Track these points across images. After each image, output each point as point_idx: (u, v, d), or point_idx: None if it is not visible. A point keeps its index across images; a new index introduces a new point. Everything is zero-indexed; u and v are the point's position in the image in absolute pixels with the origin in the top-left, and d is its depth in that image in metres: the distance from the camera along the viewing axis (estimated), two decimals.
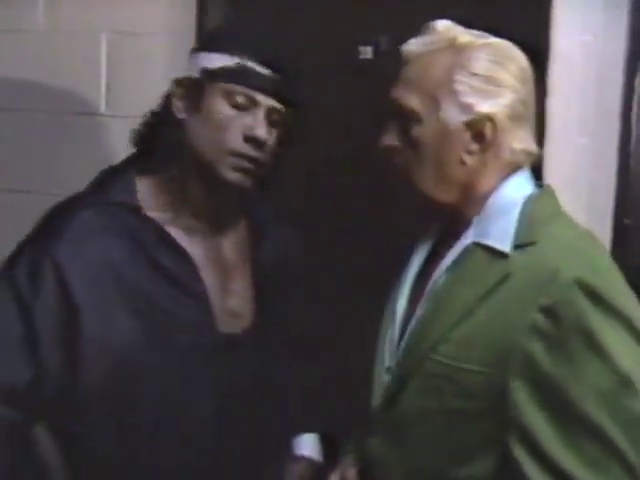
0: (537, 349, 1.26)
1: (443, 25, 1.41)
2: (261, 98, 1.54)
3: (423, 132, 1.37)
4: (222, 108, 1.54)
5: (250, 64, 1.53)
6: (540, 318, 1.26)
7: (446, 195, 1.40)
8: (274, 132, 1.57)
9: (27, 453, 1.57)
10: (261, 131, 1.53)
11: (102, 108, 2.52)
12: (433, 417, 1.35)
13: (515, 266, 1.31)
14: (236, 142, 1.53)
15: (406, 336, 1.43)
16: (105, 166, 1.71)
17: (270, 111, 1.55)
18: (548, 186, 1.44)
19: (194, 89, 1.55)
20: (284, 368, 1.71)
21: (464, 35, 1.39)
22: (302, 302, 1.80)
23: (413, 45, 1.42)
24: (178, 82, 1.58)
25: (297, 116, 1.60)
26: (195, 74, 1.57)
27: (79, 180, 1.71)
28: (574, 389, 1.25)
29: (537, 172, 1.47)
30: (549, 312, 1.26)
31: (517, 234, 1.34)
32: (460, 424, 1.33)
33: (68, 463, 1.61)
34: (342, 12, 2.31)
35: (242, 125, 1.54)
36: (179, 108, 1.57)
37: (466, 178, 1.38)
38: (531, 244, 1.32)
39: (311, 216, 2.22)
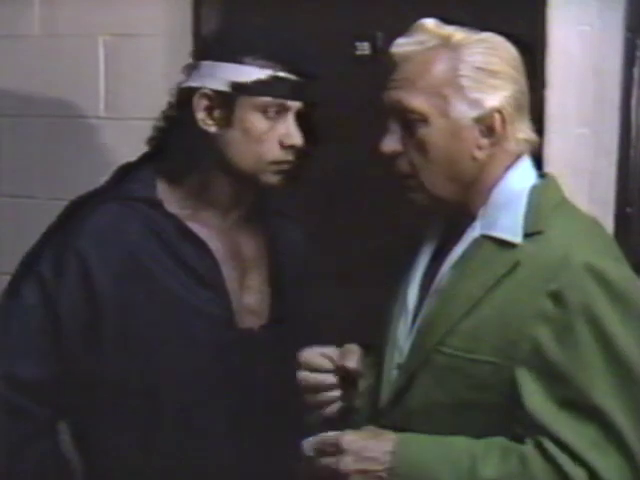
0: (544, 335, 1.27)
1: (432, 23, 1.38)
2: (290, 103, 1.56)
3: (430, 132, 1.35)
4: (257, 121, 1.55)
5: (281, 74, 1.54)
6: (548, 304, 1.27)
7: (456, 193, 1.39)
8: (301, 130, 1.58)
9: (52, 449, 1.59)
10: (296, 138, 1.56)
11: (100, 111, 2.53)
12: (444, 411, 1.35)
13: (524, 255, 1.31)
14: (275, 152, 1.56)
15: (413, 331, 1.42)
16: (105, 169, 1.72)
17: (298, 112, 1.57)
18: (551, 175, 1.44)
19: (222, 102, 1.55)
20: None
21: (457, 32, 1.37)
22: (318, 299, 1.80)
23: (404, 45, 1.38)
24: (202, 94, 1.57)
25: (320, 114, 1.61)
26: (219, 85, 1.55)
27: (79, 183, 1.71)
28: (579, 375, 1.26)
29: (537, 163, 1.47)
30: (557, 297, 1.26)
31: (525, 224, 1.34)
32: (472, 417, 1.33)
33: (86, 461, 1.64)
34: (339, 8, 2.31)
35: (278, 134, 1.56)
36: (206, 122, 1.57)
37: (476, 173, 1.38)
38: (538, 233, 1.33)
39: (312, 213, 2.22)
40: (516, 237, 1.33)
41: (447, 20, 1.40)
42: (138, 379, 1.57)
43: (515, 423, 1.29)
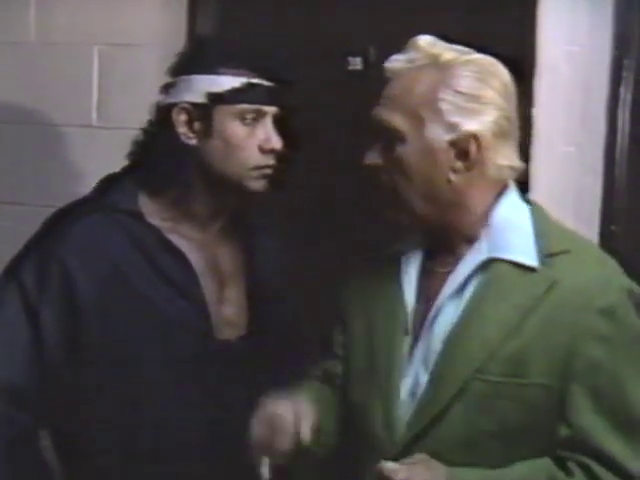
0: (599, 351, 1.30)
1: (425, 41, 1.39)
2: (267, 108, 1.59)
3: (407, 151, 1.36)
4: (236, 129, 1.58)
5: (255, 80, 1.57)
6: (599, 320, 1.30)
7: (437, 214, 1.39)
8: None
9: (33, 455, 1.60)
10: (276, 142, 1.59)
11: (94, 120, 2.54)
12: (489, 439, 1.33)
13: (559, 274, 1.33)
14: (256, 157, 1.59)
15: (425, 360, 1.38)
16: (96, 177, 1.73)
17: (276, 117, 1.61)
18: (535, 202, 1.46)
19: (200, 114, 1.58)
20: (277, 376, 1.72)
21: (448, 52, 1.37)
22: (295, 311, 1.82)
23: (396, 62, 1.40)
24: (181, 109, 1.60)
25: (297, 118, 1.65)
26: (196, 98, 1.58)
27: (70, 191, 1.72)
28: (629, 390, 1.31)
29: (524, 181, 1.48)
30: (607, 314, 1.30)
31: (542, 246, 1.35)
32: (519, 442, 1.32)
33: (67, 468, 1.64)
34: (331, 22, 2.33)
35: (257, 140, 1.59)
36: (188, 135, 1.60)
37: (454, 197, 1.38)
38: (564, 253, 1.35)
39: (296, 226, 2.23)
40: (532, 259, 1.34)
41: (446, 38, 1.40)
42: (118, 388, 1.58)
43: (559, 444, 1.31)
